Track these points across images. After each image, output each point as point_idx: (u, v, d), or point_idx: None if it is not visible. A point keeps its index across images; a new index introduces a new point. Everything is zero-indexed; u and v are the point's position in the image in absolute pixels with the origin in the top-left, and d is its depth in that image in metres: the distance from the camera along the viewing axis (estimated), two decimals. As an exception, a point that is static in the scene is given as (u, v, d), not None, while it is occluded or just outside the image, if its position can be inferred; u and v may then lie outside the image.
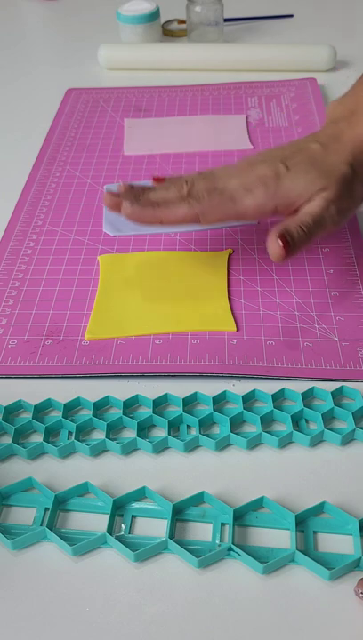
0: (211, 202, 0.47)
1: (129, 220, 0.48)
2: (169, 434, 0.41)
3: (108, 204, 0.48)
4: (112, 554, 0.36)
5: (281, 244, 0.44)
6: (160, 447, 0.41)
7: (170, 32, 0.95)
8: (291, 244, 0.44)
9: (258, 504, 0.37)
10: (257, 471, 0.40)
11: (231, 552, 0.35)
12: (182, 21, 0.95)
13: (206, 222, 0.48)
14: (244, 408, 0.42)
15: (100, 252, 0.57)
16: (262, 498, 0.37)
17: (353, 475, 0.39)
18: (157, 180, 0.50)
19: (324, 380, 0.44)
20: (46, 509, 0.38)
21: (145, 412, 0.43)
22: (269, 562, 0.34)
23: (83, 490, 0.38)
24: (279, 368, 0.45)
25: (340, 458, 0.40)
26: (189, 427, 0.42)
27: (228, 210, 0.47)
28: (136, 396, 0.44)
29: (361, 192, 0.49)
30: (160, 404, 0.44)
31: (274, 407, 0.42)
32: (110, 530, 0.36)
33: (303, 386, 0.44)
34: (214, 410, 0.42)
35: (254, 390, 0.43)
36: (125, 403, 0.43)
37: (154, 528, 0.37)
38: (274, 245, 0.45)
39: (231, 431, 0.41)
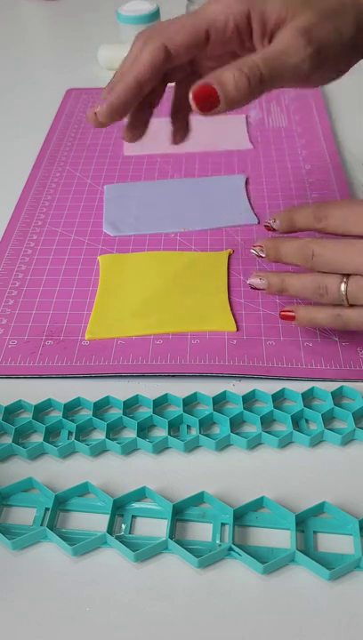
0: (170, 25, 0.39)
1: (114, 113, 0.41)
2: (169, 434, 0.41)
3: (91, 120, 0.41)
4: (112, 554, 0.36)
5: (191, 97, 0.35)
6: (160, 447, 0.41)
7: (170, 32, 0.95)
8: (220, 95, 0.35)
9: (258, 504, 0.37)
10: (257, 471, 0.40)
11: (231, 552, 0.35)
12: (182, 21, 0.95)
13: (177, 47, 0.39)
14: (244, 408, 0.42)
15: (100, 252, 0.57)
16: (262, 498, 0.37)
17: (353, 475, 0.39)
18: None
19: (324, 380, 0.44)
20: (46, 509, 0.38)
21: (145, 411, 0.43)
22: (269, 562, 0.34)
23: (83, 490, 0.38)
24: (279, 368, 0.45)
25: (340, 458, 0.40)
26: (189, 427, 0.42)
27: (192, 22, 0.39)
28: (136, 396, 0.44)
29: (350, 29, 0.39)
30: (160, 403, 0.44)
31: (274, 407, 0.42)
32: (110, 530, 0.36)
33: (303, 386, 0.44)
34: (214, 410, 0.42)
35: (254, 390, 0.43)
36: (125, 403, 0.43)
37: (154, 528, 0.37)
38: (191, 99, 0.35)
39: (231, 431, 0.41)
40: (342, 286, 0.41)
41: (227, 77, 0.35)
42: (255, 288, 0.45)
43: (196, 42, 0.39)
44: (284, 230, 0.44)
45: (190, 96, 0.35)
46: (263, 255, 0.44)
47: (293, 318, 0.44)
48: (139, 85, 0.40)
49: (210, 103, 0.35)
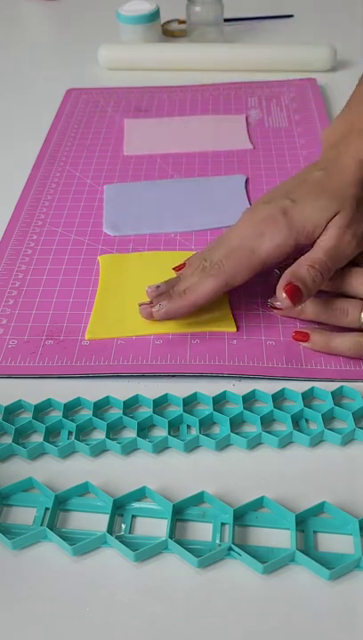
0: (232, 263, 0.45)
1: (168, 319, 0.47)
2: (169, 434, 0.41)
3: (146, 315, 0.48)
4: (112, 554, 0.36)
5: (284, 295, 0.42)
6: (160, 447, 0.41)
7: (170, 32, 0.95)
8: (302, 289, 0.43)
9: (258, 504, 0.37)
10: (257, 471, 0.40)
11: (231, 552, 0.35)
12: (182, 21, 0.95)
13: (237, 283, 0.46)
14: (244, 408, 0.42)
15: (100, 252, 0.57)
16: (262, 498, 0.37)
17: (353, 475, 0.39)
18: (178, 268, 0.50)
19: (324, 380, 0.44)
20: (46, 509, 0.38)
21: (145, 411, 0.43)
22: (269, 562, 0.34)
23: (83, 490, 0.38)
24: (279, 368, 0.45)
25: (340, 458, 0.40)
26: (189, 427, 0.42)
27: (250, 262, 0.45)
28: (136, 395, 0.44)
29: None
30: (160, 404, 0.44)
31: (274, 407, 0.42)
32: (110, 530, 0.36)
33: (303, 386, 0.44)
34: (214, 410, 0.42)
35: (254, 390, 0.43)
36: (125, 403, 0.43)
37: (154, 528, 0.37)
38: (280, 296, 0.43)
39: (231, 431, 0.41)
40: None
41: (304, 276, 0.43)
42: (275, 308, 0.48)
43: (252, 274, 0.46)
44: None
45: (282, 294, 0.43)
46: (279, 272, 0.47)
47: (307, 340, 0.45)
48: (195, 307, 0.47)
49: (297, 297, 0.43)
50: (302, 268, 0.43)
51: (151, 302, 0.48)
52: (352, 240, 0.45)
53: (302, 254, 0.45)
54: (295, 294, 0.43)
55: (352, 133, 0.50)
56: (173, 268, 0.51)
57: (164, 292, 0.48)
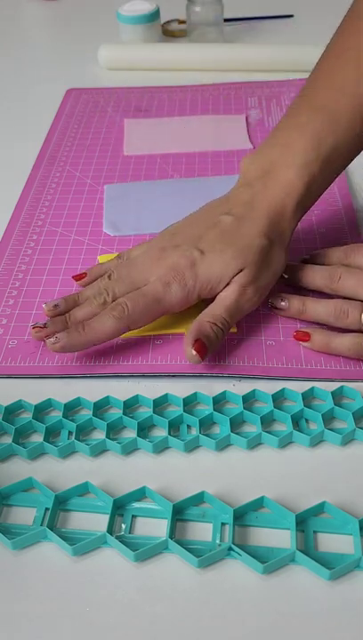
0: (136, 310, 0.45)
1: (63, 352, 0.46)
2: (169, 434, 0.41)
3: (38, 338, 0.47)
4: (112, 554, 0.36)
5: (194, 352, 0.43)
6: (160, 447, 0.41)
7: (170, 32, 0.95)
8: (208, 345, 0.44)
9: (258, 504, 0.37)
10: (257, 471, 0.40)
11: (231, 552, 0.35)
12: (182, 21, 0.95)
13: (137, 327, 0.46)
14: (244, 408, 0.42)
15: (100, 252, 0.57)
16: (262, 498, 0.37)
17: (353, 475, 0.39)
18: (77, 277, 0.51)
19: (324, 380, 0.44)
20: (46, 509, 0.38)
21: (145, 411, 0.43)
22: (269, 562, 0.34)
23: (83, 490, 0.38)
24: (279, 368, 0.45)
25: (340, 458, 0.40)
26: (189, 427, 0.42)
27: (155, 312, 0.46)
28: (136, 396, 0.44)
29: (280, 259, 0.47)
30: (160, 403, 0.44)
31: (274, 407, 0.42)
32: (110, 530, 0.36)
33: (303, 386, 0.44)
34: (214, 410, 0.42)
35: (254, 390, 0.43)
36: (125, 403, 0.43)
37: (154, 528, 0.37)
38: (189, 352, 0.44)
39: (231, 431, 0.41)
40: None
41: (208, 332, 0.44)
42: (276, 308, 0.48)
43: (153, 320, 0.47)
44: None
45: (192, 351, 0.43)
46: (286, 276, 0.49)
47: (307, 339, 0.45)
48: (92, 344, 0.46)
49: (204, 352, 0.44)
50: (205, 325, 0.45)
51: (45, 325, 0.46)
52: (253, 297, 0.46)
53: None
54: (202, 349, 0.44)
55: (270, 175, 0.48)
56: (73, 277, 0.52)
57: (61, 312, 0.48)
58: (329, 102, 0.48)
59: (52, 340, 0.44)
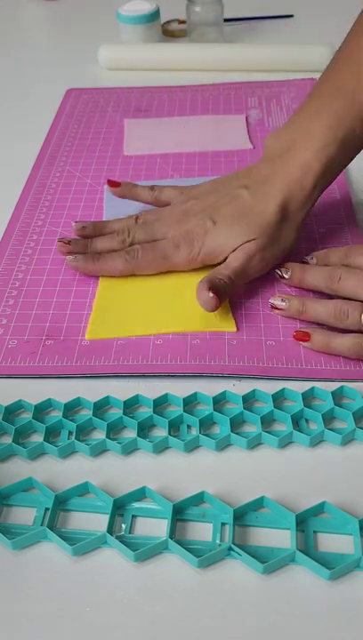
0: (144, 259, 0.51)
1: (75, 271, 0.53)
2: (169, 434, 0.41)
3: (61, 252, 0.53)
4: (112, 554, 0.36)
5: (211, 294, 0.46)
6: (160, 447, 0.41)
7: (170, 32, 0.95)
8: (219, 294, 0.46)
9: (258, 504, 0.37)
10: (257, 471, 0.40)
11: (231, 552, 0.35)
12: (182, 21, 0.95)
13: (141, 273, 0.52)
14: (244, 408, 0.42)
15: (100, 252, 0.56)
16: (262, 498, 0.37)
17: (353, 475, 0.39)
18: (112, 183, 0.57)
19: (324, 380, 0.44)
20: (46, 509, 0.38)
21: (145, 411, 0.43)
22: (269, 562, 0.34)
23: (83, 490, 0.38)
24: (279, 368, 0.45)
25: (340, 458, 0.40)
26: (189, 427, 0.42)
27: (159, 266, 0.51)
28: (136, 395, 0.44)
29: (290, 236, 0.50)
30: (160, 403, 0.44)
31: (274, 407, 0.42)
32: (110, 530, 0.36)
33: (303, 386, 0.44)
34: (214, 410, 0.42)
35: (254, 390, 0.43)
36: (125, 403, 0.43)
37: (154, 528, 0.37)
38: (205, 296, 0.46)
39: (231, 431, 0.41)
40: None
41: (217, 283, 0.47)
42: (276, 308, 0.48)
43: (157, 272, 0.52)
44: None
45: (209, 294, 0.46)
46: (287, 276, 0.50)
47: (307, 339, 0.45)
48: (100, 275, 0.53)
49: (217, 298, 0.46)
50: (214, 279, 0.48)
51: (69, 242, 0.53)
52: (259, 264, 0.49)
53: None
54: (217, 295, 0.46)
55: (291, 152, 0.50)
56: (108, 181, 0.58)
57: (87, 235, 0.54)
58: (349, 84, 0.50)
59: (71, 257, 0.52)
